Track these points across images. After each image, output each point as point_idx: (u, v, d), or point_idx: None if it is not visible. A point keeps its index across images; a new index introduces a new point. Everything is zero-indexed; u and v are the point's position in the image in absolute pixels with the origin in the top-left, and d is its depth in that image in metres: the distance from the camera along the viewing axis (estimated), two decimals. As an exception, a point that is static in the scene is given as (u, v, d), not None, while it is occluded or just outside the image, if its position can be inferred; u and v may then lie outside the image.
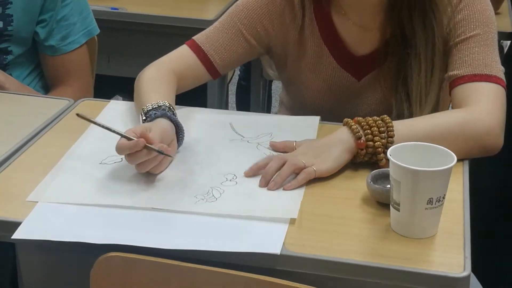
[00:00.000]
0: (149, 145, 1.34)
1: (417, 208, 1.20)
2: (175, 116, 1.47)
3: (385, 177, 1.31)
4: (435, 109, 1.59)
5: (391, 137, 1.41)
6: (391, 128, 1.42)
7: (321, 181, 1.38)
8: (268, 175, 1.36)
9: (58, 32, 1.96)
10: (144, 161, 1.34)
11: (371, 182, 1.31)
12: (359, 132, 1.41)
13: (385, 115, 1.44)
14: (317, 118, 1.62)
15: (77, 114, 1.40)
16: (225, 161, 1.44)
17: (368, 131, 1.41)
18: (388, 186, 1.27)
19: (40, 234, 1.21)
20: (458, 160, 1.24)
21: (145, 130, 1.37)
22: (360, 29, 1.64)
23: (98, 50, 2.15)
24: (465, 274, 1.14)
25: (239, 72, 3.48)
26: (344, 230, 1.24)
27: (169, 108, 1.47)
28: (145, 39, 2.65)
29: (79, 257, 1.23)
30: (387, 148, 1.39)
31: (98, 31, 2.07)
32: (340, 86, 1.69)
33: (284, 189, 1.34)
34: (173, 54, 1.69)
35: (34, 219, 1.25)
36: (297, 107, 1.79)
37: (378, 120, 1.43)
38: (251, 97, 3.05)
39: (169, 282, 1.15)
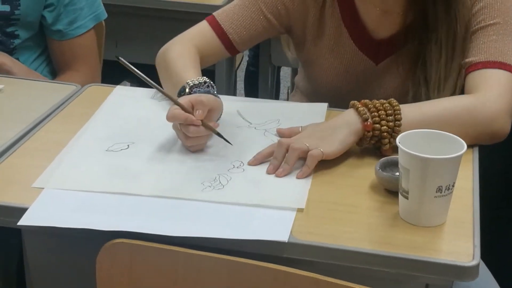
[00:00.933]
0: (208, 124, 1.36)
1: (426, 196, 1.19)
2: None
3: (394, 164, 1.30)
4: (453, 95, 1.58)
5: (399, 120, 1.40)
6: (398, 112, 1.40)
7: (329, 168, 1.37)
8: (277, 161, 1.36)
9: (66, 17, 1.95)
10: (197, 136, 1.38)
11: (380, 170, 1.30)
12: (366, 114, 1.39)
13: (392, 99, 1.42)
14: (325, 105, 1.61)
15: (117, 57, 1.38)
16: (232, 148, 1.43)
17: (375, 113, 1.40)
18: (397, 173, 1.26)
19: (46, 221, 1.20)
20: (468, 148, 1.23)
21: (198, 101, 1.39)
22: (381, 12, 1.62)
23: (106, 35, 2.15)
24: (474, 263, 1.13)
25: (247, 58, 3.46)
26: (352, 218, 1.23)
27: (212, 85, 1.49)
28: (153, 24, 2.63)
29: (85, 243, 1.22)
30: (394, 131, 1.38)
31: (106, 15, 2.06)
32: (358, 69, 1.68)
33: (297, 178, 1.33)
34: (193, 30, 1.70)
35: (40, 206, 1.24)
36: (313, 91, 1.78)
37: (385, 103, 1.41)
38: (259, 83, 3.03)
39: (175, 269, 1.14)
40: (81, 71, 2.00)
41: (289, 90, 3.29)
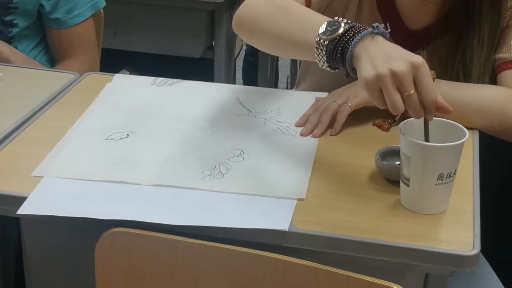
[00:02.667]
0: None
1: (427, 183, 1.18)
2: None
3: (394, 153, 1.30)
4: None
5: None
6: (433, 78, 1.37)
7: (329, 158, 1.37)
8: (311, 125, 1.45)
9: (64, 5, 1.94)
10: None
11: (379, 159, 1.30)
12: None
13: (433, 71, 1.41)
14: (325, 94, 1.60)
15: None
16: (232, 137, 1.42)
17: None
18: (397, 162, 1.25)
19: (45, 210, 1.20)
20: (469, 137, 1.22)
21: None
22: (418, 1, 1.58)
23: (104, 23, 2.14)
24: (474, 252, 1.13)
25: (245, 48, 3.45)
26: (352, 207, 1.23)
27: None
28: (152, 12, 2.62)
29: (84, 232, 1.22)
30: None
31: (104, 4, 2.05)
32: None
33: (330, 135, 1.43)
34: None
35: (39, 194, 1.24)
36: (334, 78, 1.68)
37: None
38: (258, 72, 3.03)
39: (174, 258, 1.14)
40: (79, 59, 1.99)
41: (288, 80, 3.28)
